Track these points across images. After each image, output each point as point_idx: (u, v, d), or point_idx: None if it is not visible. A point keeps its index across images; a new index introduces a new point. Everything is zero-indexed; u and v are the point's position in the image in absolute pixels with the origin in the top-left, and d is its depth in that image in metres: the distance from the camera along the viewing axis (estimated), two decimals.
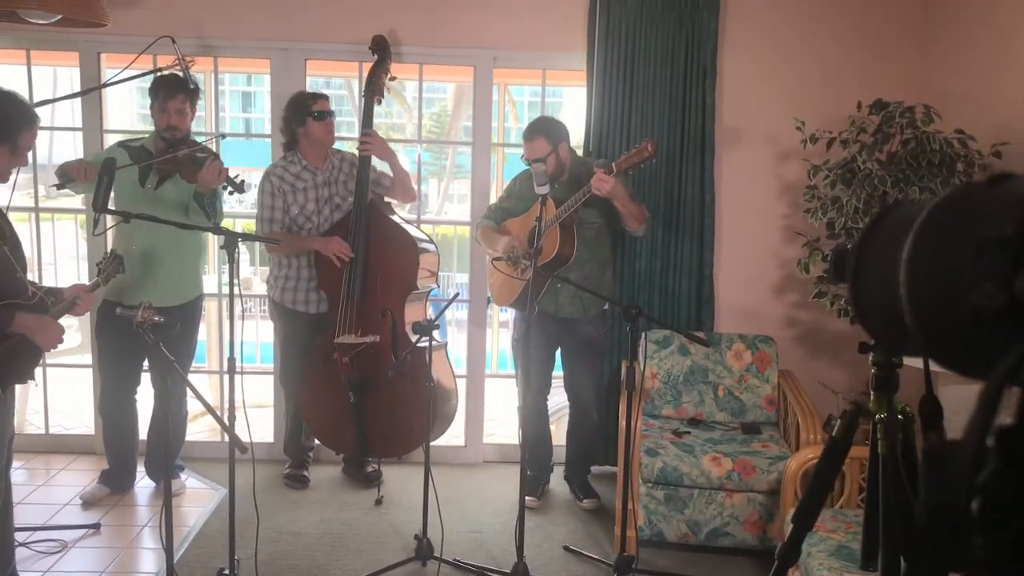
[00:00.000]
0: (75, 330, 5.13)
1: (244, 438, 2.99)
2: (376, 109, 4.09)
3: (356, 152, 4.07)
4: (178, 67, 3.79)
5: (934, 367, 1.39)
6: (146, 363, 4.01)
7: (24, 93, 4.32)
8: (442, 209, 13.38)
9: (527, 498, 3.95)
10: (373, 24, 4.18)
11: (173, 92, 3.76)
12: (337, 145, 4.18)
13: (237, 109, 18.12)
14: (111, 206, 3.36)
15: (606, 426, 4.28)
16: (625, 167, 3.54)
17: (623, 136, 4.23)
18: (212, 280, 4.83)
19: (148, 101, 3.91)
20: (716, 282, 4.36)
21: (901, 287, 0.56)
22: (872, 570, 1.44)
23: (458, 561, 3.49)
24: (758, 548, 3.58)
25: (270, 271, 4.21)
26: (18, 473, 4.20)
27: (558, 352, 4.14)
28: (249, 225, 5.67)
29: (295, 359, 4.14)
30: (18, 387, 2.91)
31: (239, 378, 3.08)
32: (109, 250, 3.14)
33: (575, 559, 3.62)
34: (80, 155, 4.37)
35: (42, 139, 7.70)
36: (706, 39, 4.18)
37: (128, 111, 3.78)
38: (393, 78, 4.11)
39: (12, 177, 2.86)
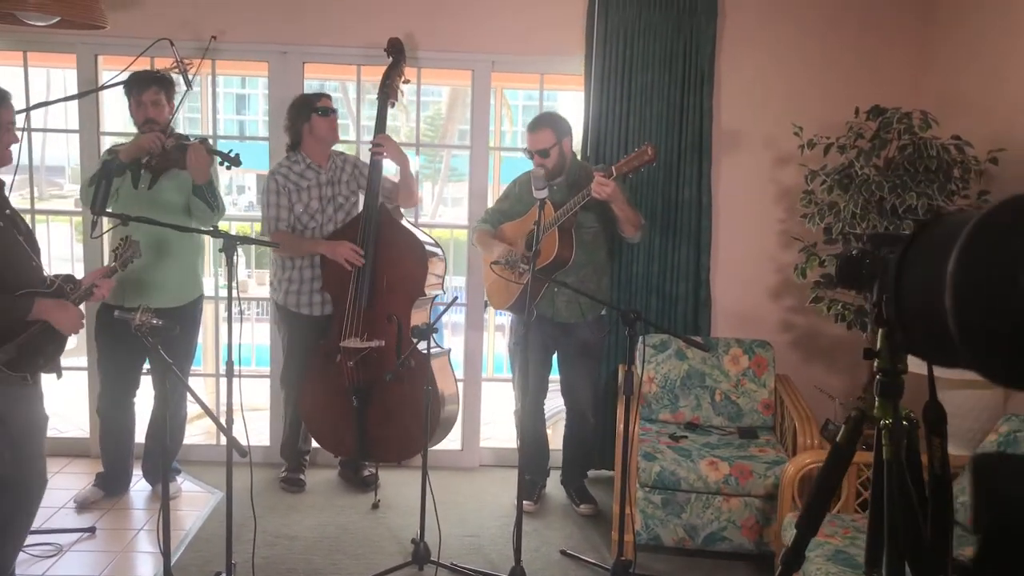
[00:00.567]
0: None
1: (242, 442, 2.99)
2: (370, 112, 4.09)
3: (359, 156, 4.07)
4: (176, 69, 3.79)
5: (938, 372, 1.40)
6: (146, 365, 4.01)
7: (21, 95, 4.34)
8: (436, 212, 13.37)
9: (524, 502, 3.96)
10: (373, 28, 4.19)
11: (145, 85, 3.75)
12: (335, 147, 4.17)
13: (231, 111, 18.10)
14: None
15: (603, 430, 4.28)
16: (625, 171, 3.55)
17: (621, 140, 4.24)
18: (208, 283, 4.82)
19: None
20: (713, 286, 4.37)
21: (947, 300, 0.56)
22: None
23: (455, 565, 3.49)
24: (755, 552, 3.59)
25: (272, 273, 4.20)
26: None
27: (555, 356, 4.14)
28: (245, 228, 5.67)
29: (297, 362, 4.13)
30: None
31: (236, 381, 3.07)
32: (125, 236, 3.14)
33: (572, 563, 3.62)
34: (73, 157, 4.36)
35: (35, 141, 7.70)
36: (704, 44, 4.19)
37: (125, 113, 3.80)
38: (407, 81, 4.12)
39: (13, 157, 2.88)
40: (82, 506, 3.94)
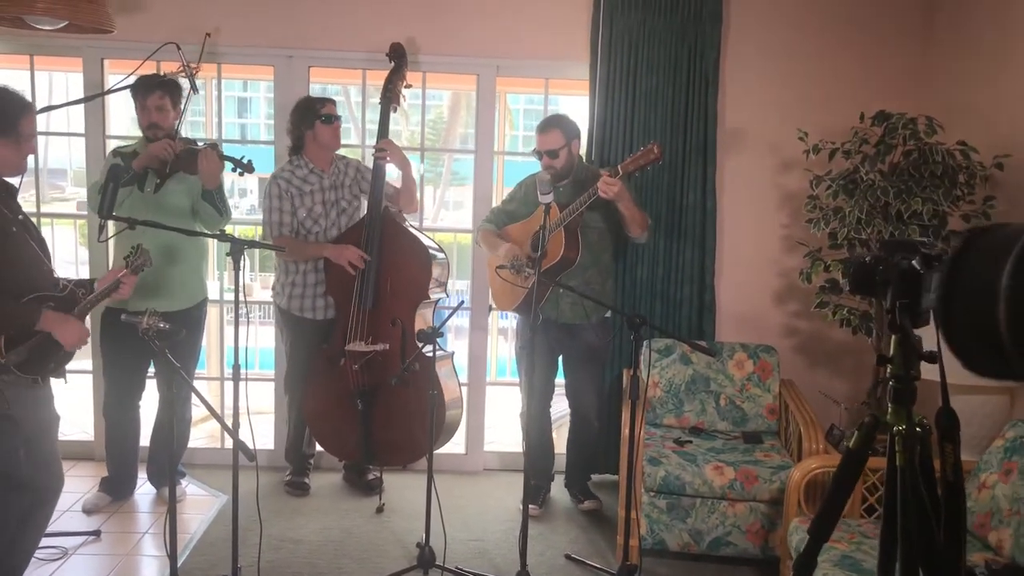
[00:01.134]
0: None
1: (248, 445, 3.00)
2: (372, 116, 4.11)
3: (363, 157, 4.07)
4: (183, 73, 3.79)
5: (951, 379, 1.40)
6: (151, 369, 4.01)
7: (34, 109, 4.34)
8: (438, 216, 13.39)
9: (529, 506, 3.97)
10: (378, 32, 4.20)
11: (150, 89, 3.76)
12: (338, 151, 4.18)
13: (233, 115, 18.12)
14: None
15: (607, 434, 4.28)
16: (631, 169, 3.56)
17: (625, 144, 4.25)
18: (212, 286, 4.82)
19: None
20: (717, 290, 4.38)
21: (1001, 313, 0.57)
22: None
23: (460, 569, 3.49)
24: (760, 557, 3.58)
25: (276, 278, 4.20)
26: None
27: (560, 359, 4.14)
28: (250, 231, 5.67)
29: (301, 366, 4.14)
30: None
31: (241, 385, 3.07)
32: (137, 244, 3.15)
33: (577, 568, 3.62)
34: (77, 160, 4.37)
35: (39, 144, 7.70)
36: (708, 49, 4.20)
37: (130, 116, 3.81)
38: (409, 85, 4.13)
39: (28, 167, 2.89)
40: (89, 511, 3.94)
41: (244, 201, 13.43)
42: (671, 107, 4.24)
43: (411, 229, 4.04)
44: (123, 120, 4.95)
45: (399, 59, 4.08)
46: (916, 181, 3.58)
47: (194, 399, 3.79)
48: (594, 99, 4.27)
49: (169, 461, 2.98)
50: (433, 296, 4.02)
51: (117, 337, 3.78)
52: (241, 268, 3.09)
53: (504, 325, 6.58)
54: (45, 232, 5.14)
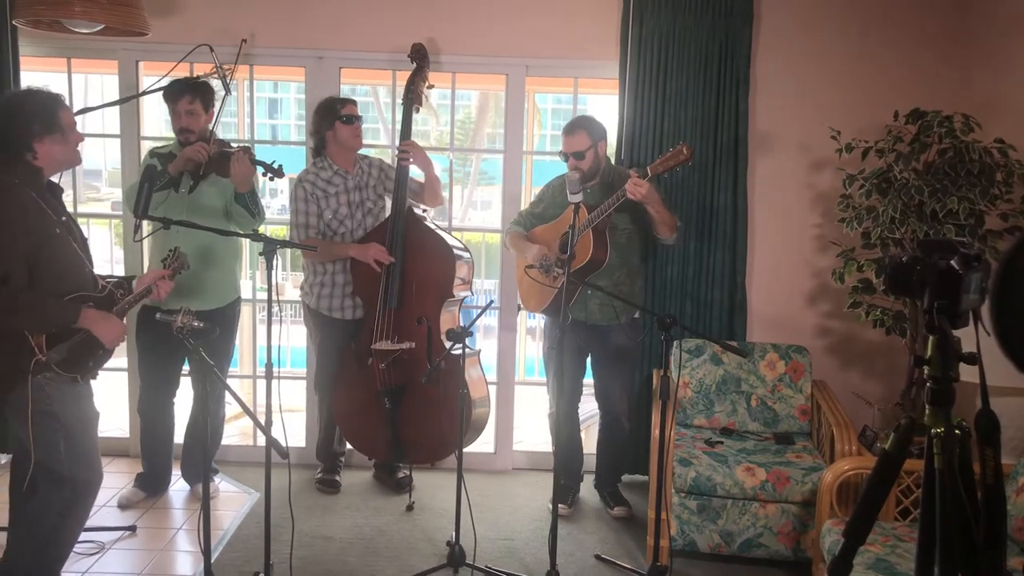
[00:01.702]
0: None
1: (280, 443, 3.03)
2: (400, 116, 4.13)
3: (393, 158, 4.10)
4: (216, 75, 3.84)
5: (990, 381, 1.39)
6: (186, 366, 4.06)
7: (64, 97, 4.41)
8: (466, 216, 13.42)
9: (559, 506, 3.97)
10: (407, 33, 4.21)
11: (179, 94, 3.80)
12: (364, 151, 4.21)
13: (264, 116, 18.28)
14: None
15: (636, 435, 4.27)
16: (660, 170, 3.55)
17: (655, 144, 4.23)
18: (244, 286, 4.87)
19: None
20: (749, 290, 4.34)
21: None
22: None
23: (490, 568, 3.49)
24: (791, 559, 3.56)
25: (305, 278, 4.24)
26: None
27: (589, 360, 4.13)
28: (281, 231, 5.72)
29: (330, 365, 4.17)
30: None
31: (274, 383, 3.10)
32: (174, 247, 3.20)
33: (607, 568, 3.61)
34: (112, 161, 4.43)
35: None
36: (739, 47, 4.17)
37: (165, 118, 3.89)
38: (431, 86, 4.14)
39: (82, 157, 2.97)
40: (124, 506, 4.00)
41: (275, 201, 13.55)
42: (702, 106, 4.21)
43: (435, 228, 4.06)
44: (157, 121, 5.01)
45: (420, 60, 4.09)
46: (952, 180, 3.54)
47: (227, 397, 3.85)
48: (623, 99, 4.25)
49: (203, 458, 3.02)
50: (458, 295, 4.03)
51: (152, 335, 3.83)
52: (273, 267, 3.13)
53: (533, 324, 6.59)
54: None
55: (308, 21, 4.32)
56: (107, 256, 6.33)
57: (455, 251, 3.98)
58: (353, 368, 4.05)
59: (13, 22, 3.91)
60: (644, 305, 4.10)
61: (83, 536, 3.57)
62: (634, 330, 4.05)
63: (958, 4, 4.21)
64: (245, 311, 5.13)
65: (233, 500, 4.17)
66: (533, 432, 5.29)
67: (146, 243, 4.14)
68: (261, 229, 4.02)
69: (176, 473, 4.24)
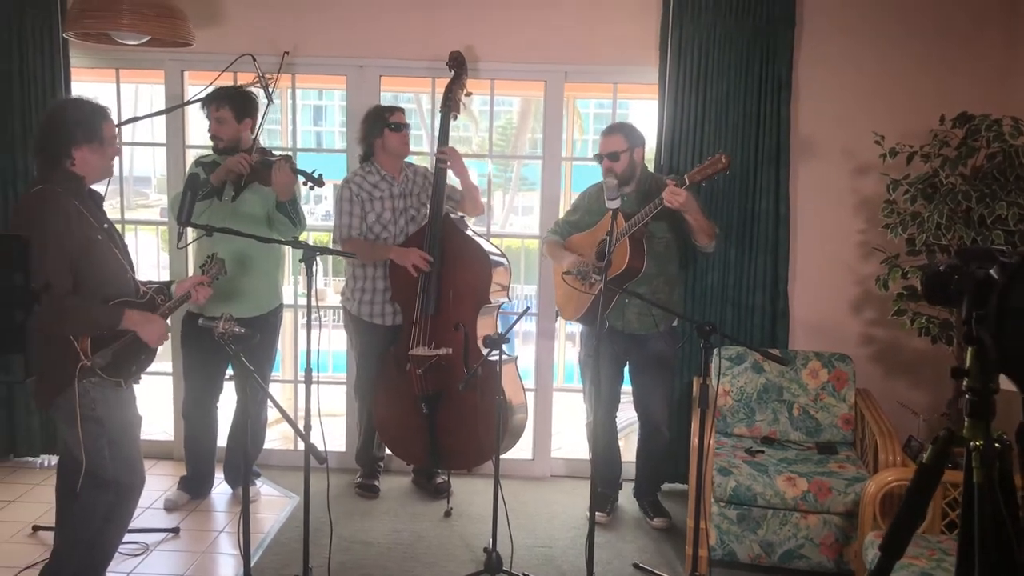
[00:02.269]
0: None
1: (319, 448, 3.06)
2: (440, 123, 4.16)
3: (427, 167, 4.13)
4: (258, 84, 3.90)
5: None
6: (229, 371, 4.12)
7: (113, 109, 4.52)
8: (507, 221, 13.43)
9: (597, 514, 3.94)
10: (446, 41, 4.23)
11: (208, 101, 3.88)
12: (407, 159, 4.24)
13: (308, 123, 18.49)
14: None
15: (677, 443, 4.23)
16: (698, 179, 3.52)
17: (695, 150, 4.20)
18: (286, 291, 4.93)
19: None
20: (791, 297, 4.28)
21: None
22: None
23: (527, 575, 3.49)
24: (834, 571, 3.49)
25: (346, 283, 4.28)
26: None
27: (626, 368, 4.11)
28: (324, 237, 5.79)
29: (369, 371, 4.20)
30: None
31: (313, 388, 3.13)
32: (212, 253, 3.26)
33: None
34: (161, 169, 4.53)
35: (124, 153, 8.01)
36: (781, 51, 4.12)
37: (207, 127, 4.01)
38: (469, 93, 4.16)
39: (115, 170, 3.04)
40: (169, 508, 4.07)
41: (319, 208, 13.70)
42: (743, 112, 4.17)
43: (472, 234, 4.07)
44: (203, 130, 5.10)
45: (459, 68, 4.12)
46: (1001, 185, 3.46)
47: (269, 402, 3.90)
48: (663, 104, 4.23)
49: (243, 462, 3.06)
50: (495, 301, 4.04)
51: (196, 341, 3.90)
52: (314, 274, 3.17)
53: (572, 330, 6.56)
54: (129, 238, 5.35)
55: (349, 30, 4.37)
56: (154, 261, 6.47)
57: (491, 257, 3.99)
58: (392, 374, 4.08)
59: (64, 35, 4.02)
60: (684, 313, 4.06)
61: (128, 537, 3.65)
62: (673, 338, 4.02)
63: (1005, 5, 4.12)
64: (287, 317, 5.20)
65: (274, 504, 4.22)
66: (572, 439, 5.27)
67: (190, 249, 4.21)
68: (303, 235, 4.08)
69: (219, 476, 4.30)
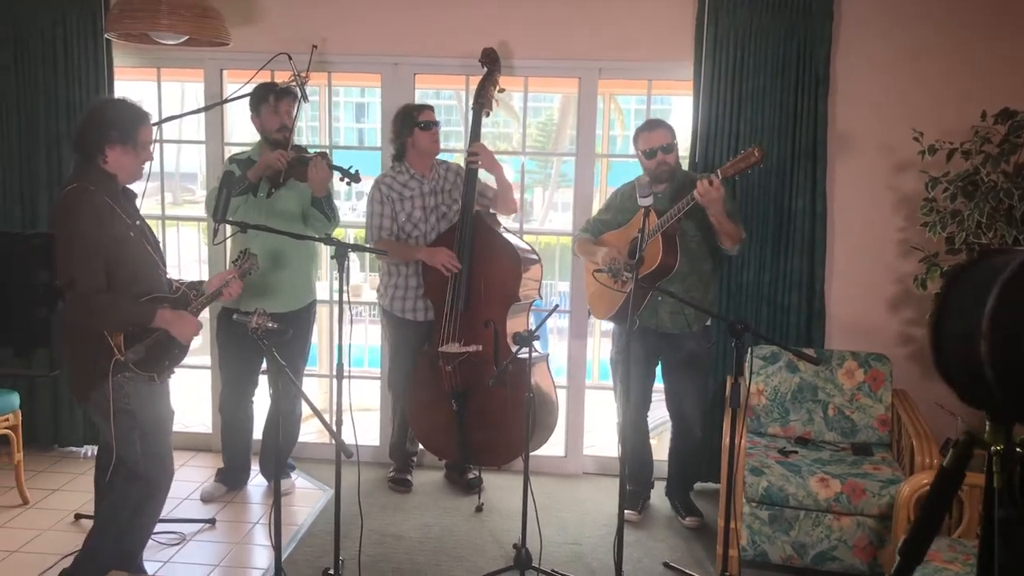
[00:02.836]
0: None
1: (350, 442, 3.10)
2: (484, 120, 4.16)
3: (463, 164, 4.15)
4: (294, 82, 3.94)
5: None
6: (264, 366, 4.18)
7: (154, 107, 4.62)
8: (546, 218, 13.41)
9: (628, 512, 3.94)
10: (480, 38, 4.24)
11: (283, 94, 3.92)
12: (444, 156, 4.27)
13: (351, 120, 18.64)
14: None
15: (710, 442, 4.20)
16: (731, 173, 3.49)
17: (730, 146, 4.15)
18: (324, 286, 4.99)
19: None
20: (827, 296, 4.22)
21: (982, 342, 0.55)
22: None
23: (556, 572, 3.49)
24: (867, 575, 3.45)
25: (380, 279, 4.33)
26: None
27: (658, 367, 4.09)
28: (362, 232, 5.85)
29: (402, 366, 4.24)
30: None
31: (346, 382, 3.17)
32: (244, 249, 3.30)
33: None
34: (203, 166, 4.61)
35: (171, 149, 8.14)
36: (819, 46, 4.06)
37: (249, 125, 4.04)
38: (502, 90, 4.17)
39: (145, 174, 3.09)
40: (206, 500, 4.15)
41: (361, 204, 13.79)
42: (779, 107, 4.12)
43: (503, 232, 4.08)
44: (241, 128, 5.18)
45: (491, 64, 4.12)
46: None
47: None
48: (698, 100, 4.19)
49: (275, 455, 3.10)
50: (525, 298, 4.04)
51: (231, 336, 3.96)
52: (347, 270, 3.21)
53: (608, 327, 6.55)
54: (171, 234, 5.46)
55: (383, 27, 4.40)
56: (196, 257, 6.58)
57: (522, 255, 4.00)
58: (424, 370, 4.11)
59: (106, 35, 4.11)
60: (717, 312, 4.03)
61: (165, 527, 3.74)
62: (706, 338, 3.99)
63: None
64: (324, 312, 5.26)
65: (309, 496, 4.27)
66: (605, 437, 5.26)
67: (228, 245, 4.27)
68: (341, 232, 4.12)
69: (255, 469, 4.37)
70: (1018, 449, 1.33)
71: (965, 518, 3.09)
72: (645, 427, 4.20)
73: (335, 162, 3.84)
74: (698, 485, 4.32)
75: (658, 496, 4.26)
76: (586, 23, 4.30)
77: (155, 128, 4.01)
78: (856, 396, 3.94)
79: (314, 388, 5.69)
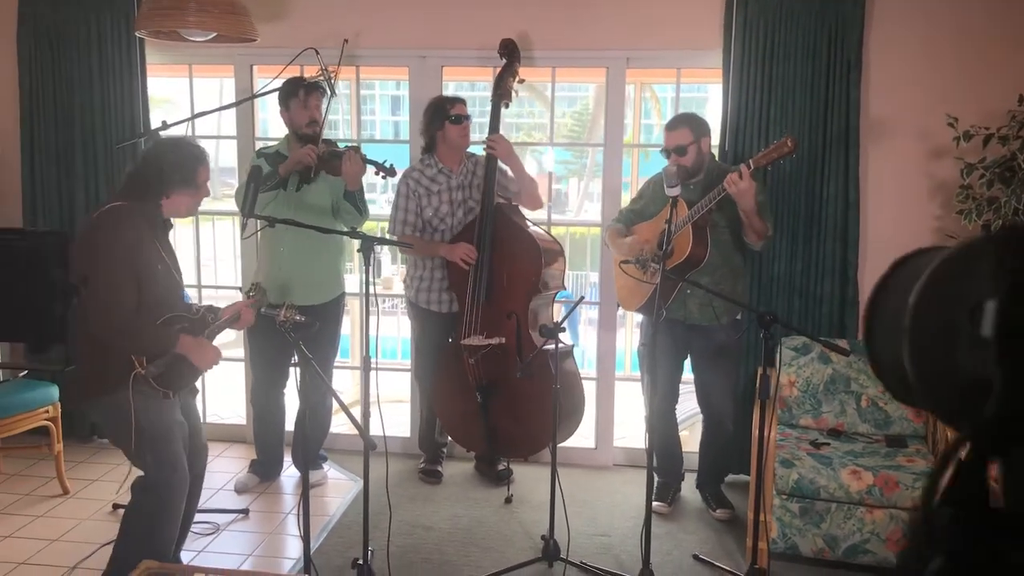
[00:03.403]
0: None
1: (378, 433, 3.12)
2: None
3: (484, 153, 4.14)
4: (322, 77, 3.97)
5: None
6: (295, 358, 4.22)
7: (186, 103, 4.68)
8: (582, 207, 13.36)
9: (657, 504, 3.93)
10: (506, 30, 4.22)
11: (313, 88, 3.96)
12: (474, 149, 4.26)
13: (387, 113, 18.70)
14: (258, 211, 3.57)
15: (741, 434, 4.16)
16: (763, 163, 3.44)
17: (760, 134, 4.10)
18: (354, 279, 5.02)
19: None
20: (861, 285, 4.15)
21: (904, 337, 0.54)
22: None
23: (585, 564, 3.49)
24: None
25: (406, 272, 4.35)
26: None
27: (687, 360, 4.05)
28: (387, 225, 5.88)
29: (428, 357, 4.26)
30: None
31: (374, 374, 3.20)
32: (255, 283, 3.34)
33: (705, 569, 3.55)
34: (236, 160, 4.67)
35: (211, 145, 8.27)
36: (851, 31, 3.98)
37: (279, 120, 4.10)
38: (521, 81, 4.14)
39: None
40: (239, 490, 4.21)
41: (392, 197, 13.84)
42: (810, 94, 4.05)
43: (524, 223, 4.06)
44: (271, 123, 5.23)
45: (510, 56, 4.10)
46: None
47: (337, 387, 3.97)
48: (727, 88, 4.14)
49: (303, 448, 3.13)
50: (547, 290, 4.03)
51: (263, 329, 3.98)
52: (373, 263, 3.23)
53: (641, 318, 6.51)
54: (207, 229, 5.53)
55: (410, 21, 4.41)
56: (231, 251, 6.66)
57: (543, 245, 3.98)
58: (450, 361, 4.13)
59: (136, 34, 4.17)
60: (748, 303, 3.98)
61: (200, 517, 3.79)
62: (736, 330, 3.94)
63: None
64: (356, 304, 5.30)
65: (340, 487, 4.32)
66: (635, 429, 5.24)
67: (258, 239, 4.32)
68: (373, 224, 4.14)
69: (288, 460, 4.42)
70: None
71: None
72: (674, 419, 4.17)
73: (367, 156, 3.87)
74: (730, 477, 4.29)
75: (689, 488, 4.24)
76: (613, 11, 4.26)
77: (188, 124, 4.10)
78: None
79: (346, 380, 5.74)
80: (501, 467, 4.37)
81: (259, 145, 4.59)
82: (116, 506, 3.97)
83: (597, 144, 4.93)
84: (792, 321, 4.08)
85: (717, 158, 4.08)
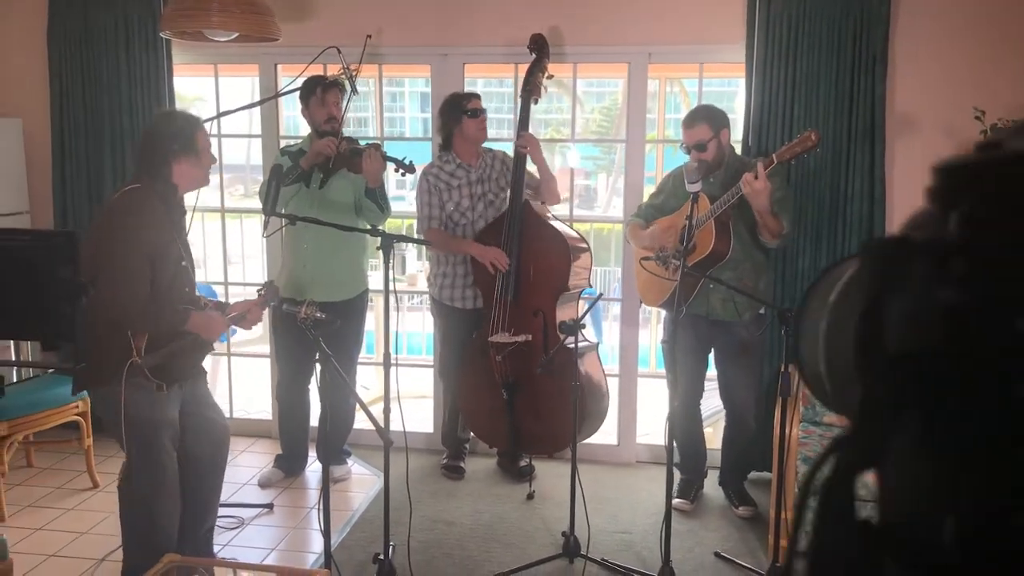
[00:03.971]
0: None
1: (398, 429, 3.15)
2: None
3: (511, 152, 4.15)
4: (344, 75, 4.00)
5: None
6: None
7: (211, 102, 4.74)
8: (610, 203, 13.30)
9: (679, 501, 3.92)
10: (528, 26, 4.22)
11: (331, 86, 4.00)
12: (491, 145, 4.27)
13: (416, 110, 18.73)
14: (281, 208, 3.61)
15: (765, 431, 4.13)
16: (786, 157, 3.41)
17: (784, 129, 4.06)
18: (378, 276, 5.05)
19: None
20: None
21: (820, 341, 0.54)
22: None
23: (605, 561, 3.50)
24: None
25: (430, 268, 4.37)
26: None
27: (711, 355, 4.03)
28: (412, 223, 5.91)
29: (453, 354, 4.28)
30: (209, 377, 3.30)
31: (395, 370, 3.22)
32: (269, 280, 3.37)
33: (726, 566, 3.53)
34: (261, 158, 4.72)
35: (241, 143, 8.31)
36: (876, 24, 3.93)
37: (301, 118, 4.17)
38: (550, 76, 4.14)
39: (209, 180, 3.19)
40: (264, 485, 4.26)
41: (413, 194, 13.87)
42: (835, 88, 4.00)
43: (552, 221, 4.06)
44: (295, 121, 5.27)
45: (540, 51, 4.09)
46: None
47: (361, 381, 3.97)
48: (750, 82, 4.10)
49: (323, 444, 3.15)
50: (574, 287, 4.02)
51: (288, 326, 4.03)
52: (391, 260, 3.26)
53: (665, 313, 6.48)
54: (233, 226, 5.60)
55: (431, 19, 4.42)
56: (259, 247, 6.72)
57: (571, 243, 3.98)
58: (475, 358, 4.14)
59: (160, 34, 4.23)
60: (771, 300, 3.94)
61: (225, 511, 3.85)
62: (758, 326, 3.91)
63: None
64: (380, 301, 5.32)
65: (364, 482, 4.35)
66: (658, 425, 5.21)
67: (281, 235, 4.37)
68: (397, 222, 4.17)
69: (312, 455, 4.46)
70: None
71: None
72: (697, 415, 4.15)
73: (388, 153, 3.89)
74: (753, 475, 4.26)
75: (712, 485, 4.22)
76: (635, 7, 4.24)
77: (212, 123, 4.14)
78: None
79: (371, 375, 5.77)
80: (523, 463, 4.38)
81: (283, 143, 4.64)
82: None
83: (619, 140, 4.91)
84: None
85: (741, 153, 4.05)
